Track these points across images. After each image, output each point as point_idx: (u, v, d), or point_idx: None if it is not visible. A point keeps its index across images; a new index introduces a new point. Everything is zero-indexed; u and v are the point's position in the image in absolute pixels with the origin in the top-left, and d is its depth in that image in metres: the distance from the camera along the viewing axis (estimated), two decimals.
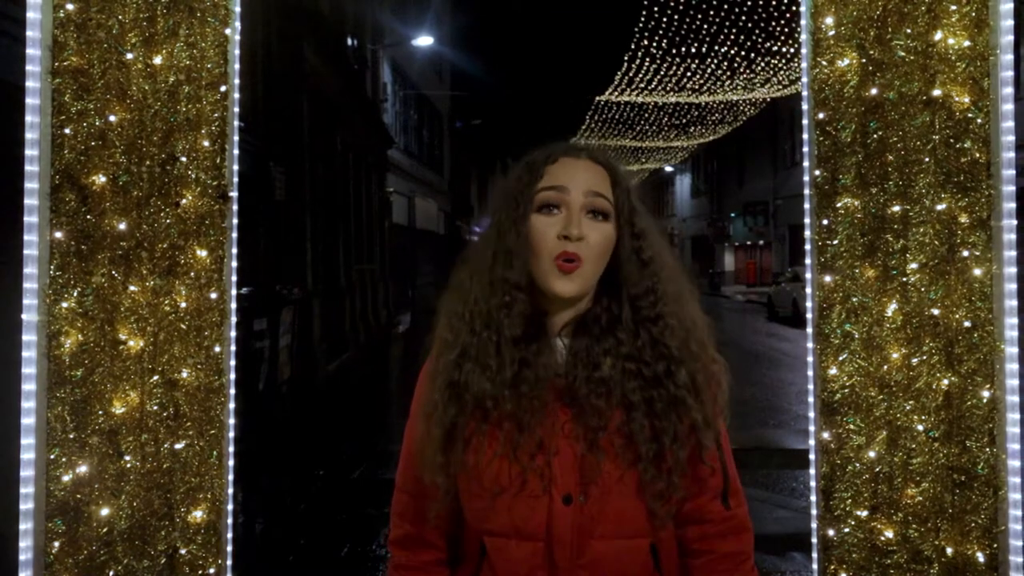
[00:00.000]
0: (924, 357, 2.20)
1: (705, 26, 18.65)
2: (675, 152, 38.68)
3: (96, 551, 2.16)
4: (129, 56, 2.20)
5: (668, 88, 23.44)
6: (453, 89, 34.26)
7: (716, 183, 44.59)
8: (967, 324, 2.18)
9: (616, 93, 24.21)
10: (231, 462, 2.28)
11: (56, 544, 2.14)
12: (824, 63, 2.26)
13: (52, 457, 2.14)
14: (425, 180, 29.05)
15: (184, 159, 2.22)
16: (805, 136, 2.31)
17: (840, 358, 2.24)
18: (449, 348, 1.46)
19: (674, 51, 20.28)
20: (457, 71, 35.40)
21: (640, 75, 22.25)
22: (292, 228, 12.10)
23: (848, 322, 2.24)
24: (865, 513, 2.22)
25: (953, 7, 2.20)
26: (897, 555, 2.20)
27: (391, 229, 22.25)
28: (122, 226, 2.19)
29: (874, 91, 2.23)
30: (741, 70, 21.83)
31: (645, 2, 17.68)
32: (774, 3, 17.07)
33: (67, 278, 2.15)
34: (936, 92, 2.20)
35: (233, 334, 2.28)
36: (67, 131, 2.16)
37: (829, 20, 2.26)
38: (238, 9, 2.30)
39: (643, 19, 18.41)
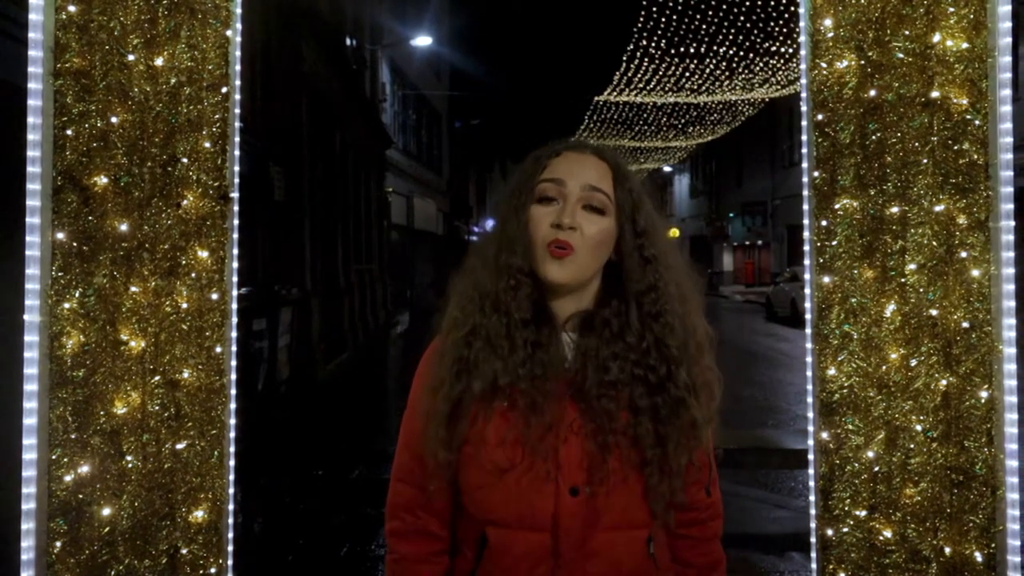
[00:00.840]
0: (922, 357, 2.21)
1: (704, 26, 18.66)
2: (674, 152, 38.67)
3: (98, 551, 2.16)
4: (131, 57, 2.21)
5: (667, 88, 23.45)
6: (452, 89, 34.27)
7: (715, 183, 44.62)
8: (965, 325, 2.19)
9: (615, 93, 24.21)
10: (232, 462, 2.28)
11: (58, 544, 2.14)
12: (823, 65, 2.27)
13: (54, 457, 2.14)
14: (424, 180, 29.05)
15: (185, 160, 2.23)
16: (804, 137, 2.32)
17: (839, 358, 2.25)
18: (459, 326, 1.49)
19: (673, 51, 20.29)
20: (456, 71, 35.44)
21: (639, 75, 22.26)
22: (291, 228, 12.09)
23: (847, 323, 2.25)
24: (864, 513, 2.23)
25: (951, 9, 2.21)
26: (895, 555, 2.21)
27: (390, 229, 22.26)
28: (124, 227, 2.19)
29: (873, 93, 2.24)
30: (740, 70, 21.84)
31: (644, 2, 17.69)
32: (772, 3, 17.09)
33: (69, 279, 2.16)
34: (934, 94, 2.21)
35: (234, 335, 2.29)
36: (69, 132, 2.16)
37: (828, 22, 2.27)
38: (239, 11, 2.30)
39: (642, 19, 18.42)
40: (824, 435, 2.26)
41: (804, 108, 2.32)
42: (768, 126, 33.39)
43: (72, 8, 2.18)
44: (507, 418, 1.42)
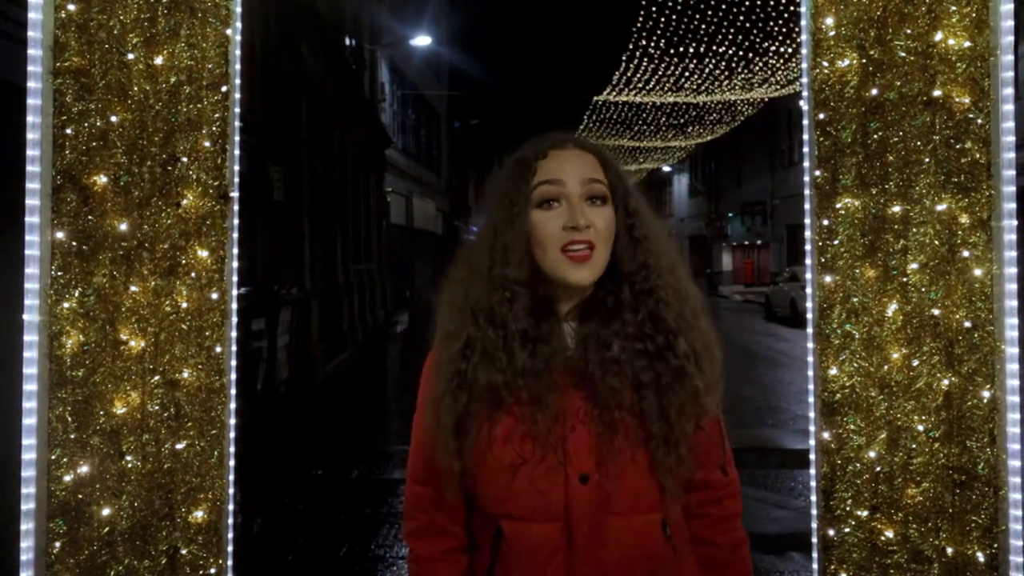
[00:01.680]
0: (924, 357, 2.20)
1: (703, 26, 18.67)
2: (673, 152, 38.69)
3: (97, 551, 2.16)
4: (130, 56, 2.20)
5: (666, 88, 23.46)
6: (451, 89, 34.28)
7: (714, 183, 44.65)
8: (967, 324, 2.18)
9: (614, 93, 24.22)
10: (232, 462, 2.28)
11: (57, 544, 2.14)
12: (824, 63, 2.27)
13: (53, 457, 2.14)
14: (423, 180, 29.06)
15: (185, 159, 2.22)
16: (805, 136, 2.32)
17: (840, 358, 2.24)
18: (453, 340, 1.49)
19: (672, 51, 20.30)
20: (455, 71, 35.43)
21: (638, 75, 22.27)
22: (290, 228, 12.09)
23: (848, 322, 2.24)
24: (865, 513, 2.22)
25: (953, 8, 2.20)
26: (897, 555, 2.20)
27: (389, 229, 22.25)
28: (123, 226, 2.19)
29: (874, 91, 2.23)
30: (739, 70, 21.85)
31: (643, 2, 17.68)
32: (772, 3, 17.09)
33: (68, 278, 2.15)
34: (936, 92, 2.21)
35: (234, 334, 2.28)
36: (68, 131, 2.16)
37: (829, 20, 2.26)
38: (239, 10, 2.30)
39: (641, 19, 18.42)
40: (826, 435, 2.25)
41: (805, 107, 2.31)
42: (767, 126, 33.40)
43: (72, 7, 2.17)
44: (514, 416, 1.43)
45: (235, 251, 2.29)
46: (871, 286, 2.24)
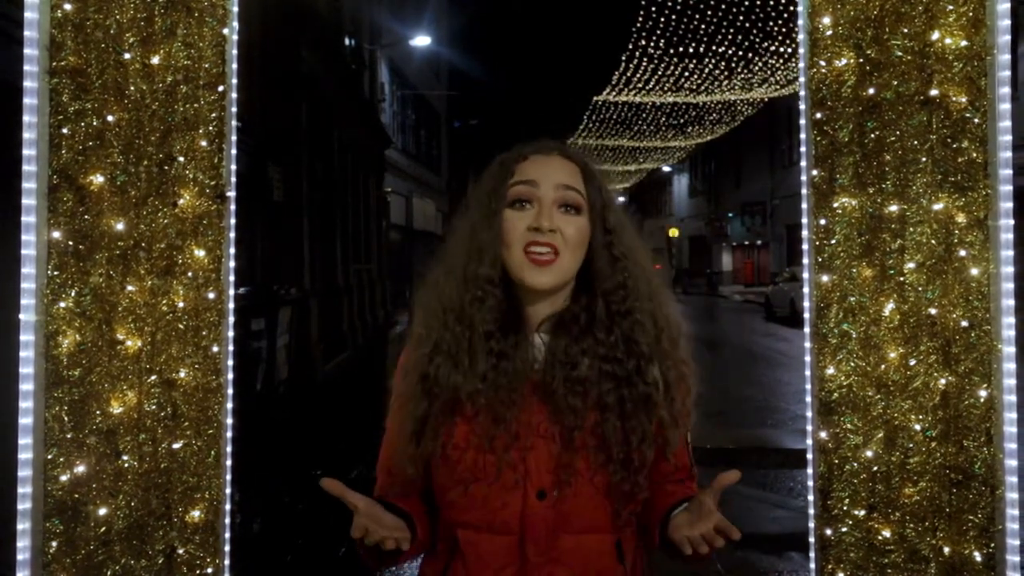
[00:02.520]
0: (921, 356, 2.20)
1: (703, 26, 18.68)
2: (673, 152, 38.69)
3: (94, 551, 2.16)
4: (127, 56, 2.20)
5: (666, 88, 23.47)
6: (451, 89, 34.27)
7: (714, 183, 44.63)
8: (964, 324, 2.18)
9: (614, 93, 24.23)
10: (229, 462, 2.28)
11: (54, 544, 2.14)
12: (822, 63, 2.27)
13: (50, 457, 2.13)
14: (423, 180, 29.07)
15: (182, 159, 2.22)
16: (803, 136, 2.32)
17: (837, 358, 2.24)
18: (423, 343, 1.49)
19: (672, 51, 20.31)
20: (455, 71, 35.43)
21: (638, 75, 22.27)
22: (290, 228, 12.09)
23: (845, 322, 2.24)
24: (862, 512, 2.22)
25: (950, 7, 2.20)
26: (894, 554, 2.20)
27: (388, 229, 22.25)
28: (120, 226, 2.18)
29: (871, 91, 2.23)
30: (739, 70, 21.85)
31: (643, 2, 17.69)
32: (771, 3, 17.09)
33: (65, 278, 2.15)
34: (933, 92, 2.21)
35: (231, 334, 2.28)
36: (65, 131, 2.16)
37: (827, 20, 2.26)
38: (236, 9, 2.30)
39: (641, 19, 18.43)
40: (823, 434, 2.25)
41: (803, 106, 2.31)
42: (767, 126, 33.38)
43: (68, 6, 2.17)
44: (473, 430, 1.41)
45: (232, 251, 2.28)
46: (868, 285, 2.23)
